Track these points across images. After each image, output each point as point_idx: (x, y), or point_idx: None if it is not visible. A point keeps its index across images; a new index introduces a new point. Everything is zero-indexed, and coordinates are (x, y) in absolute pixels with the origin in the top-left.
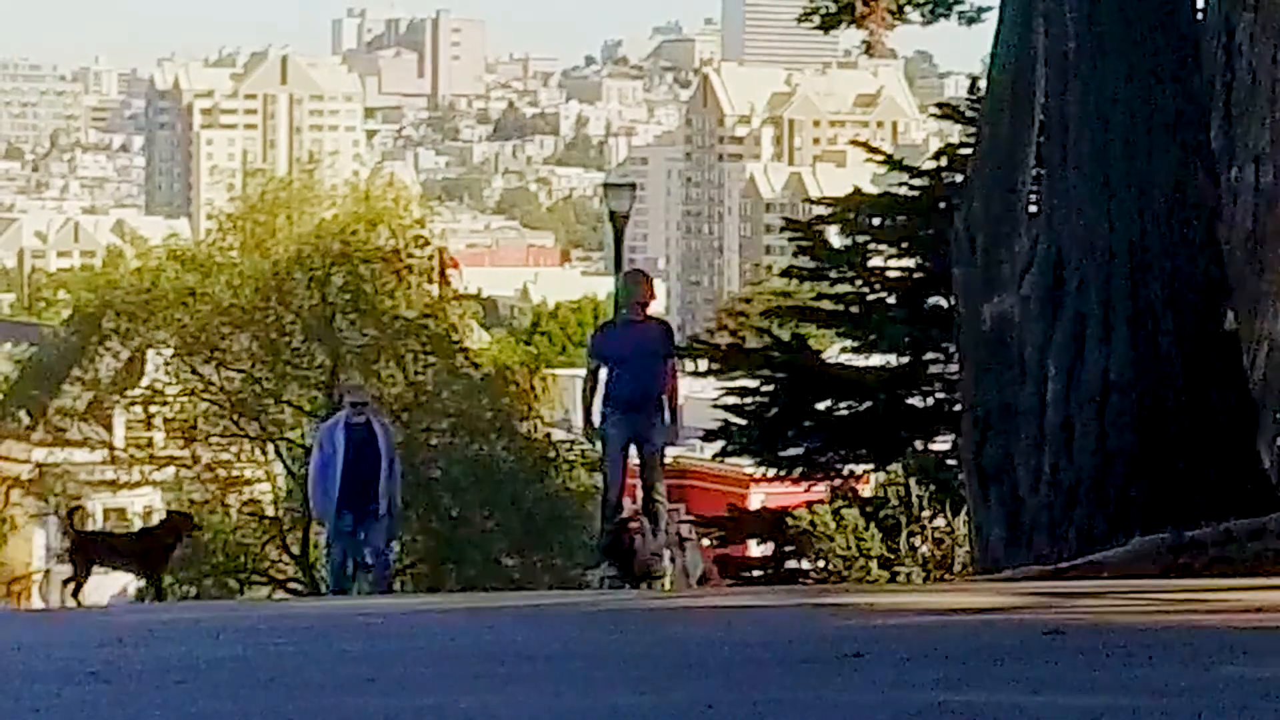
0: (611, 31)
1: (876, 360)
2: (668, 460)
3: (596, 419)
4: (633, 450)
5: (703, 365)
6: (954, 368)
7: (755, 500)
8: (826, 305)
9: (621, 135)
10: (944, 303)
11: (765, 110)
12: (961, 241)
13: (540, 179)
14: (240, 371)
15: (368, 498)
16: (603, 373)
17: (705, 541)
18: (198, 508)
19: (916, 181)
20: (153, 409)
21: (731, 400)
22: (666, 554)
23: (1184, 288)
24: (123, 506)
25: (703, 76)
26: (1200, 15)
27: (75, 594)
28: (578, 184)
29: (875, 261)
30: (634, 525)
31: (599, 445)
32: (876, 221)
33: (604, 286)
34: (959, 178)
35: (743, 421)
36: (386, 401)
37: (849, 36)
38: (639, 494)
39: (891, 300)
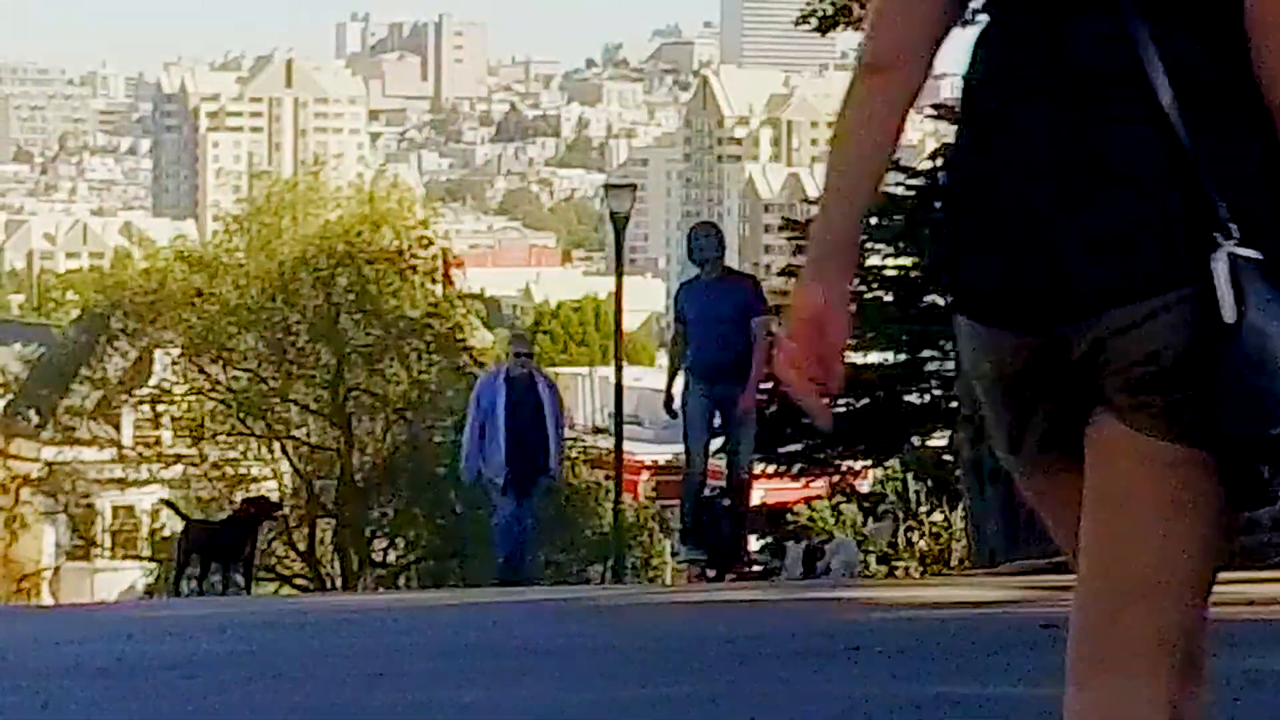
0: (612, 34)
1: (874, 358)
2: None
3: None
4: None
5: None
6: (950, 365)
7: (755, 496)
8: None
9: (622, 137)
10: (940, 301)
11: (764, 111)
12: None
13: (542, 180)
14: (247, 371)
15: (531, 458)
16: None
17: None
18: (204, 505)
19: (912, 181)
20: (160, 408)
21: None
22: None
23: None
24: (131, 504)
25: (702, 79)
26: None
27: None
28: (579, 185)
29: (872, 260)
30: (724, 505)
31: (680, 418)
32: (873, 220)
33: (605, 286)
34: None
35: None
36: (391, 400)
37: (846, 39)
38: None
39: (888, 298)
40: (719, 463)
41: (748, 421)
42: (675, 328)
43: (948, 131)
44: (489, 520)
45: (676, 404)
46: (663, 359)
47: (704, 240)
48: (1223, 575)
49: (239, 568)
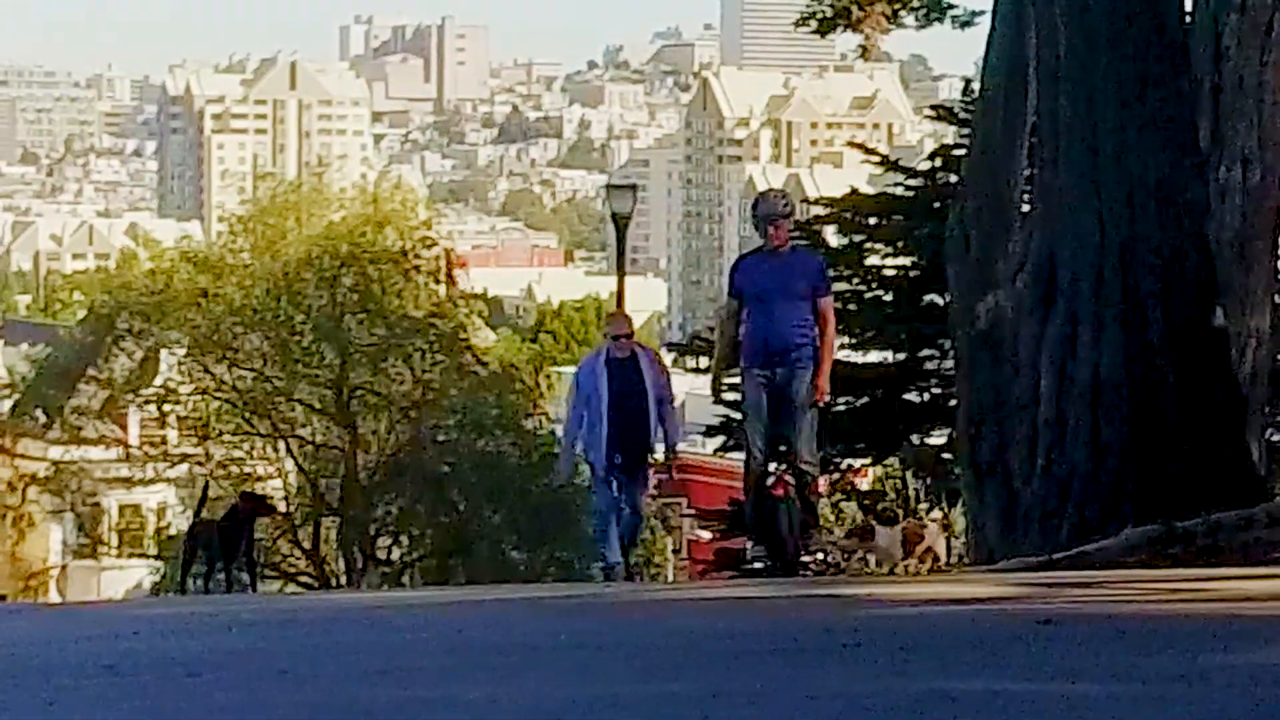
0: (613, 36)
1: (874, 357)
2: (666, 454)
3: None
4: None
5: (704, 362)
6: (949, 364)
7: None
8: None
9: (623, 138)
10: (939, 300)
11: (764, 113)
12: (956, 240)
13: (544, 181)
14: (252, 370)
15: (634, 442)
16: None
17: (705, 534)
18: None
19: (912, 182)
20: (166, 407)
21: (733, 396)
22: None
23: (1174, 285)
24: (137, 503)
25: (702, 80)
26: (1189, 18)
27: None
28: (580, 186)
29: (872, 260)
30: (779, 495)
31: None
32: (873, 221)
33: (607, 286)
34: (953, 178)
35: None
36: (395, 399)
37: (845, 40)
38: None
39: (888, 298)
40: (734, 459)
41: (811, 407)
42: (728, 305)
43: (947, 132)
44: (591, 510)
45: (737, 394)
46: (664, 359)
47: (768, 204)
48: (1221, 572)
49: (243, 565)
